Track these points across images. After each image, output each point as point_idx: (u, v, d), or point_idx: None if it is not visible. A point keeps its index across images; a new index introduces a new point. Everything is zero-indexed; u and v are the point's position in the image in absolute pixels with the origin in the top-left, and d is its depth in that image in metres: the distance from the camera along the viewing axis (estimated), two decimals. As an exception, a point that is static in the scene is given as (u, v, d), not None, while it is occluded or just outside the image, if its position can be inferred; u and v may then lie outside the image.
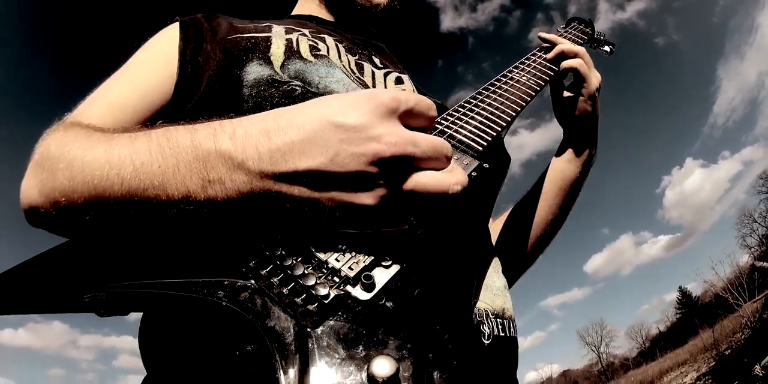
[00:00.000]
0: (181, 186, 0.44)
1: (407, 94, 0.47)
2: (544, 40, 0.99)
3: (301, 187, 0.43)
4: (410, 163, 0.44)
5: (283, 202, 0.44)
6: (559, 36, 1.06)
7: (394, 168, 0.43)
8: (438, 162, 0.46)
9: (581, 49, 0.94)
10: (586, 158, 1.03)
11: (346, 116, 0.42)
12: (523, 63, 0.92)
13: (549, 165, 1.06)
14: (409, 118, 0.46)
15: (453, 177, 0.45)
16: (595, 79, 0.95)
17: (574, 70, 0.93)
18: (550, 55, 0.94)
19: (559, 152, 1.05)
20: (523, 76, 0.86)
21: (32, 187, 0.55)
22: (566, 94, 0.99)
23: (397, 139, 0.42)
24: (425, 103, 0.48)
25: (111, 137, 0.52)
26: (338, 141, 0.42)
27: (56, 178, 0.51)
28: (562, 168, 1.03)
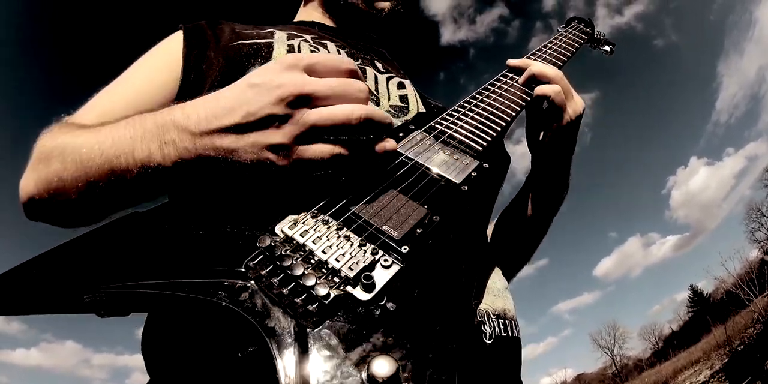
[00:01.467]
0: (145, 149, 0.52)
1: (314, 54, 0.57)
2: (512, 67, 0.88)
3: (229, 138, 0.50)
4: (312, 102, 0.50)
5: (220, 155, 0.51)
6: (559, 35, 1.05)
7: (298, 106, 0.50)
8: (346, 98, 0.52)
9: (555, 73, 0.83)
10: (550, 198, 0.96)
11: (258, 77, 0.52)
12: (512, 71, 0.89)
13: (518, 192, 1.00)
14: (316, 72, 0.53)
15: (355, 105, 0.51)
16: (572, 108, 0.83)
17: (548, 99, 0.81)
18: (520, 80, 0.84)
19: (526, 185, 0.99)
20: (516, 82, 0.85)
21: (29, 179, 0.62)
22: (541, 122, 0.88)
23: (295, 81, 0.50)
24: (333, 59, 0.54)
25: (98, 127, 0.60)
26: (252, 95, 0.50)
27: (50, 165, 0.59)
28: (524, 205, 0.97)
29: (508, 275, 0.95)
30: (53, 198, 0.59)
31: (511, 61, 0.88)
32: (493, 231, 1.02)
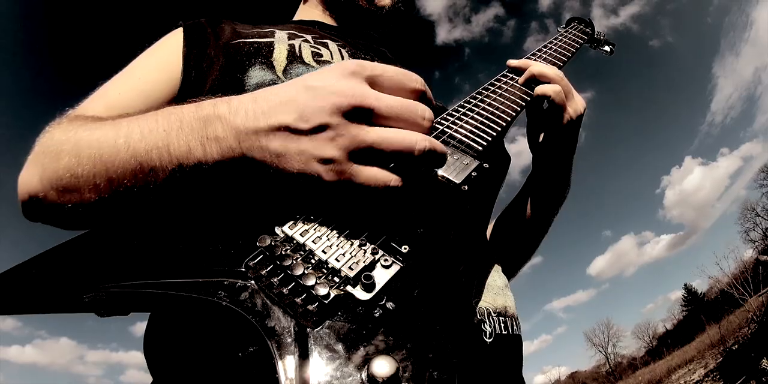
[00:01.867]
0: (183, 144, 0.47)
1: (379, 64, 0.49)
2: (512, 68, 0.87)
3: (278, 140, 0.45)
4: (372, 117, 0.46)
5: (266, 159, 0.46)
6: (559, 36, 1.05)
7: (355, 119, 0.45)
8: (407, 123, 0.47)
9: (555, 74, 0.82)
10: (551, 197, 0.97)
11: (316, 80, 0.47)
12: (512, 71, 0.88)
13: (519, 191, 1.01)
14: (379, 85, 0.48)
15: (419, 135, 0.47)
16: (572, 108, 0.83)
17: (548, 98, 0.81)
18: (520, 80, 0.84)
19: (527, 185, 0.99)
20: (516, 82, 0.85)
21: (32, 175, 0.55)
22: (541, 122, 0.88)
23: (355, 91, 0.46)
24: (400, 74, 0.49)
25: (117, 119, 0.55)
26: (306, 99, 0.46)
27: (60, 159, 0.52)
28: (525, 204, 0.98)
29: (509, 274, 0.96)
30: (62, 196, 0.52)
31: (512, 62, 0.88)
32: (493, 230, 1.03)
